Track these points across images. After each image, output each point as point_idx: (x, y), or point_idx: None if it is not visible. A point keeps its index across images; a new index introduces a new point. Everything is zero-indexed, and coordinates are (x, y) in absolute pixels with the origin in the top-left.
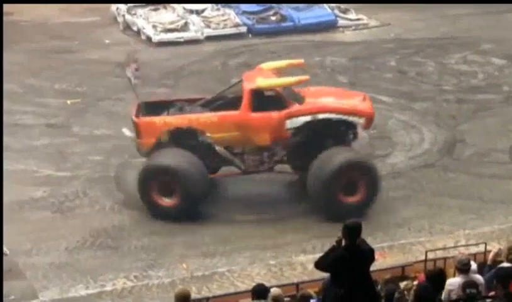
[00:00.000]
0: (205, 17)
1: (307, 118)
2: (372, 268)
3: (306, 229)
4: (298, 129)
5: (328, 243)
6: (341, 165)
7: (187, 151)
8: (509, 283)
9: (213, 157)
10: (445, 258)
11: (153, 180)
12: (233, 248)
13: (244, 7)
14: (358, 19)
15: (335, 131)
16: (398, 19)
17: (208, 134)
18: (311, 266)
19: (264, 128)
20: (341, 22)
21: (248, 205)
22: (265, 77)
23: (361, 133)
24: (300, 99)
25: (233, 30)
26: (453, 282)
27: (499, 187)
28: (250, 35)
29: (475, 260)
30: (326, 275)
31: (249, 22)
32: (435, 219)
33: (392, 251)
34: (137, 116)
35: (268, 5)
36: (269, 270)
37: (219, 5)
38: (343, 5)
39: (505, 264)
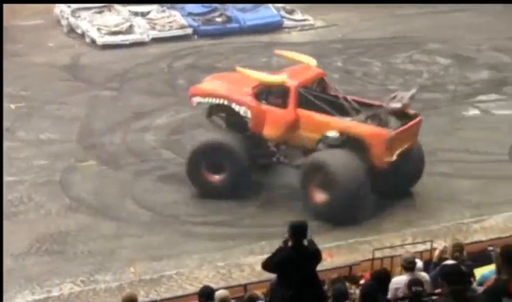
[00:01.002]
0: (150, 19)
1: None
2: (320, 268)
3: (255, 230)
4: None
5: (277, 244)
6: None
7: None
8: (453, 280)
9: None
10: (392, 257)
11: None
12: (181, 251)
13: (190, 8)
14: (304, 20)
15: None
16: (345, 19)
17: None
18: (259, 267)
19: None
20: (287, 23)
21: (195, 207)
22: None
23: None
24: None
25: (179, 32)
26: (399, 280)
27: (446, 185)
28: (196, 37)
29: (421, 258)
30: (273, 276)
31: (195, 23)
32: (382, 217)
33: (340, 250)
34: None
35: (213, 6)
36: (217, 272)
37: (165, 7)
38: (288, 6)
39: (449, 261)
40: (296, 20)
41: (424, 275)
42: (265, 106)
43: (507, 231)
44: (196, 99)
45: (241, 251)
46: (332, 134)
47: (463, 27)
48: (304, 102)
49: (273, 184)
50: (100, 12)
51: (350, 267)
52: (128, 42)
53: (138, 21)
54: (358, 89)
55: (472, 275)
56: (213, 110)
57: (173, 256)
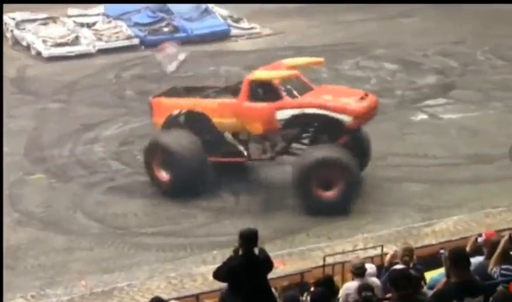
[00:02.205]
0: (96, 30)
1: (295, 112)
2: (271, 275)
3: (206, 240)
4: (287, 122)
5: (228, 253)
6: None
7: (191, 133)
8: (401, 285)
9: (220, 142)
10: (343, 263)
11: (155, 155)
12: (132, 263)
13: (136, 18)
14: (251, 28)
15: (328, 127)
16: (292, 26)
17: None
18: (211, 277)
19: (256, 117)
20: (234, 31)
21: (146, 218)
22: (272, 70)
23: None
24: (302, 93)
25: (125, 42)
26: (350, 285)
27: (396, 190)
28: (143, 47)
29: (373, 263)
30: (225, 285)
31: (141, 34)
32: (333, 224)
33: (292, 258)
34: (154, 96)
35: (160, 16)
36: (169, 283)
37: (111, 18)
38: (235, 15)
39: (398, 266)
40: (243, 28)
41: (375, 280)
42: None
43: (457, 234)
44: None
45: (192, 261)
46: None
47: (410, 33)
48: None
49: (222, 193)
50: (45, 24)
51: (302, 274)
52: (74, 54)
53: (84, 32)
54: None
55: (423, 278)
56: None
57: (125, 268)
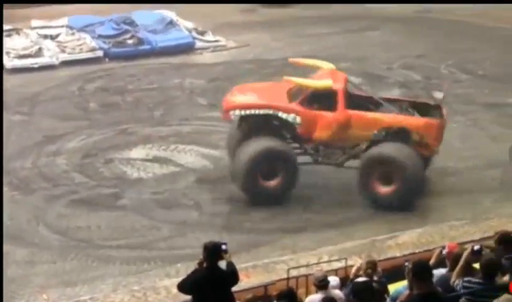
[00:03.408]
0: (59, 42)
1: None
2: (235, 288)
3: (170, 253)
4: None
5: (193, 266)
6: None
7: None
8: (363, 297)
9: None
10: (307, 276)
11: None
12: (95, 276)
13: (100, 30)
14: (216, 41)
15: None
16: (257, 39)
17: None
18: (175, 290)
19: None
20: (199, 44)
21: (109, 231)
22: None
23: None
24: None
25: (89, 54)
26: (314, 298)
27: (360, 202)
28: (107, 59)
29: (337, 275)
30: (189, 297)
31: (105, 46)
32: (298, 237)
33: (256, 270)
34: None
35: (124, 28)
36: (133, 296)
37: (74, 30)
38: (200, 27)
39: (360, 279)
40: (208, 41)
41: (338, 293)
42: (314, 111)
43: (421, 247)
44: (236, 112)
45: (156, 274)
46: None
47: (374, 46)
48: (348, 103)
49: (185, 205)
50: (8, 36)
51: (265, 287)
52: (37, 65)
53: (47, 44)
54: None
55: (386, 291)
56: (246, 121)
57: (88, 281)
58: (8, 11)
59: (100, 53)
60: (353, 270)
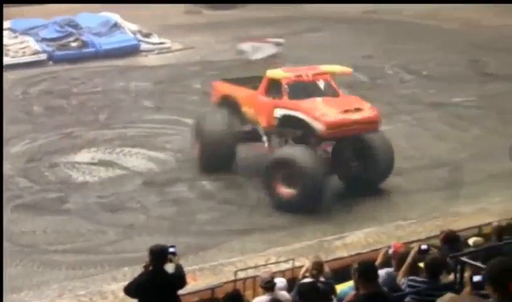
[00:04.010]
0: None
1: (284, 112)
2: (182, 291)
3: (116, 256)
4: (280, 120)
5: (139, 270)
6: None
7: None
8: (308, 298)
9: (251, 132)
10: (254, 277)
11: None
12: (41, 281)
13: (44, 33)
14: (161, 43)
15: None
16: (201, 42)
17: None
18: (122, 294)
19: (262, 110)
20: (144, 46)
21: (54, 235)
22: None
23: None
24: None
25: (33, 58)
26: (260, 300)
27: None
28: (51, 62)
29: (284, 277)
30: (135, 301)
31: (49, 49)
32: (246, 238)
33: (203, 273)
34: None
35: (68, 31)
36: (79, 301)
37: (17, 33)
38: (145, 30)
39: (306, 280)
40: (153, 43)
41: (285, 294)
42: None
43: (368, 247)
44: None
45: (103, 278)
46: None
47: (319, 48)
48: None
49: (131, 208)
50: None
51: (212, 289)
52: None
53: None
54: None
55: (333, 291)
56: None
57: (33, 286)
58: None
59: (44, 56)
60: (302, 271)
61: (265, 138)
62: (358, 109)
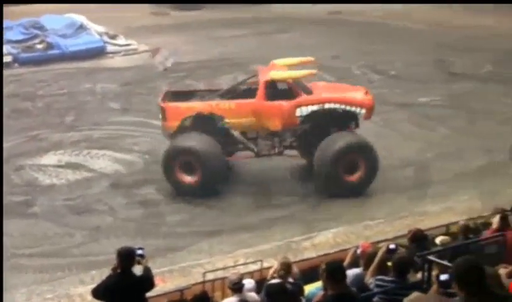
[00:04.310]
0: None
1: (315, 107)
2: (150, 293)
3: (83, 259)
4: (307, 117)
5: (107, 273)
6: (343, 146)
7: (207, 135)
8: (276, 299)
9: (230, 141)
10: (223, 279)
11: (177, 160)
12: (8, 285)
13: (9, 35)
14: (127, 45)
15: (339, 120)
16: (168, 43)
17: (226, 120)
18: (90, 297)
19: (276, 114)
20: (110, 48)
21: (21, 239)
22: (277, 70)
23: None
24: (309, 91)
25: None
26: (229, 301)
27: (275, 204)
28: (17, 64)
29: (252, 278)
30: None
31: (14, 51)
32: (215, 240)
33: (172, 275)
34: (164, 101)
35: (33, 33)
36: None
37: None
38: (111, 31)
39: (274, 281)
40: (119, 45)
41: (253, 295)
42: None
43: (336, 247)
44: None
45: (70, 281)
46: None
47: (287, 48)
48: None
49: (98, 210)
50: None
51: (181, 291)
52: None
53: None
54: None
55: (301, 292)
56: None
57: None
58: None
59: (9, 59)
60: (270, 272)
61: (251, 145)
62: (367, 92)
